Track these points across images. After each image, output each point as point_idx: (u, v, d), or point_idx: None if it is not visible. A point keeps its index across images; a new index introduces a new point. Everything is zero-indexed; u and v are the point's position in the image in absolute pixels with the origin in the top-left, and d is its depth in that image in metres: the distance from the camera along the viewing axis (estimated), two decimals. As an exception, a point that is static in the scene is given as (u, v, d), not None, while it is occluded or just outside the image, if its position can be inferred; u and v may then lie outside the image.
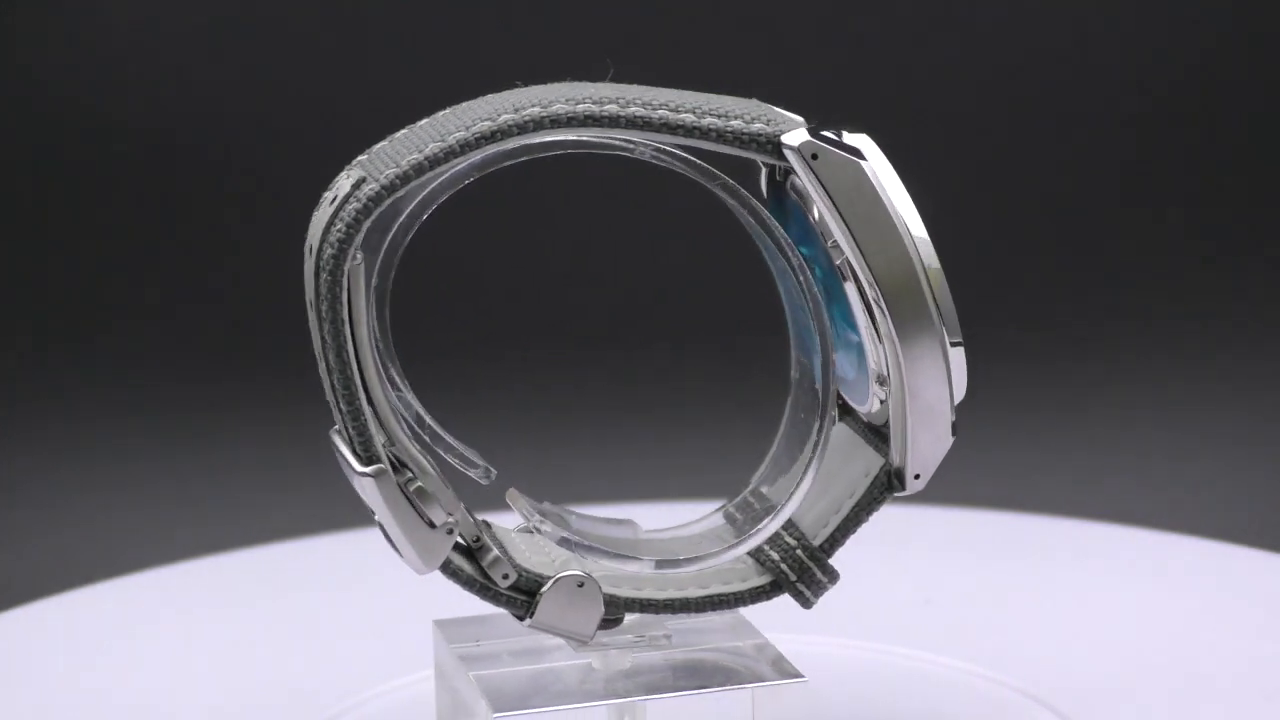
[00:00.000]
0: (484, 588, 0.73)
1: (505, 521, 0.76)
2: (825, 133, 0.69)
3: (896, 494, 0.73)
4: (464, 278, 1.45)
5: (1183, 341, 1.41)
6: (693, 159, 0.70)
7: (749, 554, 0.74)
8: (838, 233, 0.69)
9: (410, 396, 0.74)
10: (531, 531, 0.74)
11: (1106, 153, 1.48)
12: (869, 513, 0.73)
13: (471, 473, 0.74)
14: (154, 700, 0.87)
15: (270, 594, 1.00)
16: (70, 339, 1.43)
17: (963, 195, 1.46)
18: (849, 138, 0.69)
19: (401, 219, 0.69)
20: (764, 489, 0.75)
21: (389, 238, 0.70)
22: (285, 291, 1.49)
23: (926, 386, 0.70)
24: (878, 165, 0.69)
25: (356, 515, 1.13)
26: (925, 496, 1.02)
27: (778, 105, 0.71)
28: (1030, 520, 1.07)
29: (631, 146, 0.69)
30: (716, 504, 0.78)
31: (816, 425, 0.72)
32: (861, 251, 0.69)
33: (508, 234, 1.46)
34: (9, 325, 1.43)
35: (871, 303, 0.69)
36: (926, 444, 0.71)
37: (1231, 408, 1.35)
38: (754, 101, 0.71)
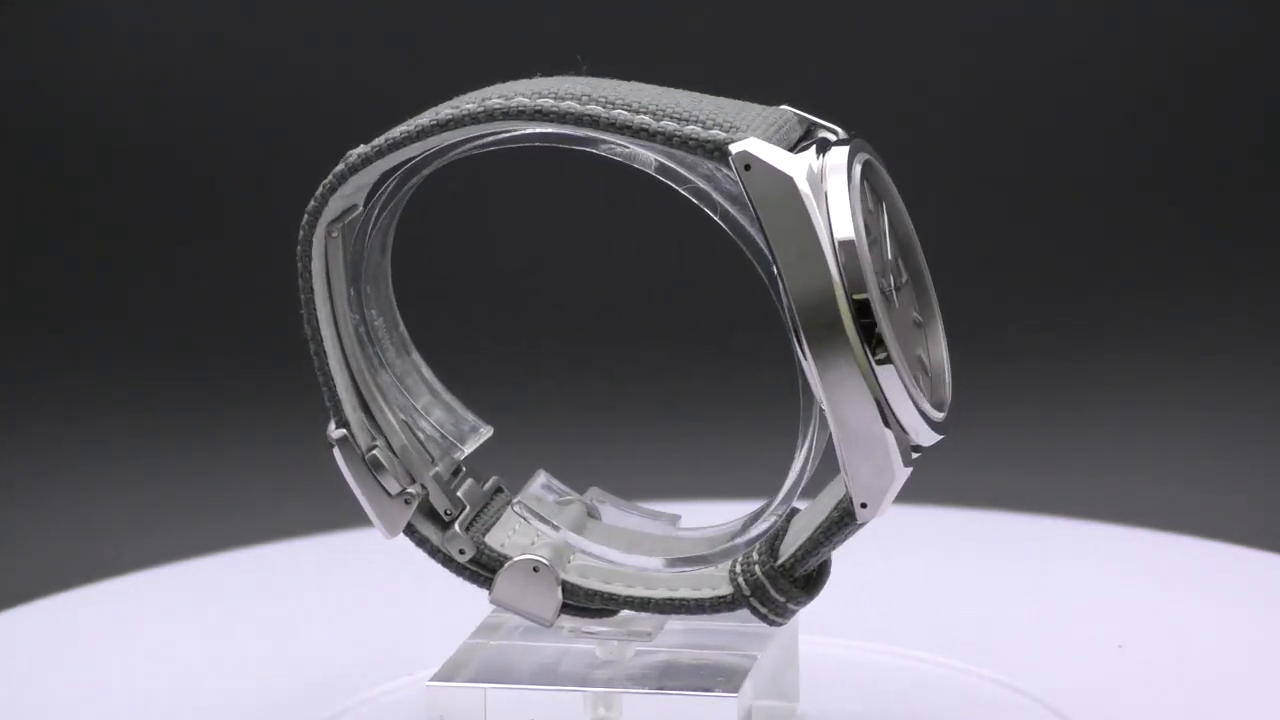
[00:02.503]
0: (446, 559, 0.76)
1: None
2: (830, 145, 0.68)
3: (856, 522, 0.69)
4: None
5: (1183, 341, 1.41)
6: (665, 163, 0.69)
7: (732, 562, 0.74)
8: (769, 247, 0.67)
9: (390, 372, 0.76)
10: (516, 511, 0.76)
11: (1108, 153, 1.47)
12: (830, 537, 0.70)
13: (450, 452, 0.77)
14: (153, 700, 0.87)
15: (270, 594, 1.00)
16: (70, 338, 1.43)
17: (963, 195, 1.46)
18: (834, 150, 0.67)
19: (391, 191, 0.73)
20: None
21: (381, 214, 0.73)
22: (285, 290, 1.49)
23: (852, 413, 0.66)
24: (832, 182, 0.66)
25: (356, 515, 1.14)
26: (925, 496, 1.03)
27: (809, 111, 0.70)
28: (1029, 520, 1.07)
29: (599, 142, 0.69)
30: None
31: (799, 442, 0.70)
32: (780, 268, 0.66)
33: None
34: (8, 325, 1.43)
35: (793, 322, 0.66)
36: (866, 473, 0.67)
37: (1232, 408, 1.35)
38: (736, 104, 0.69)
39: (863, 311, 0.65)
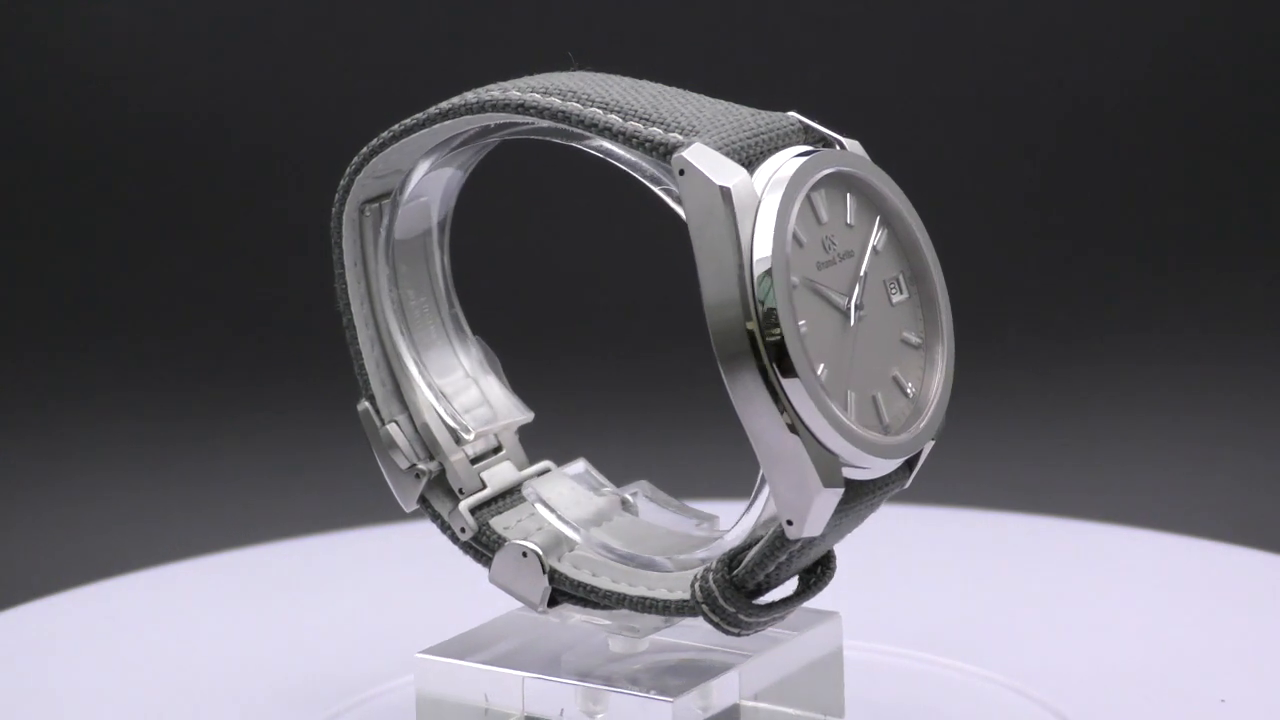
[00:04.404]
0: (453, 535, 0.78)
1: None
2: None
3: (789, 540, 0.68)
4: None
5: (1183, 342, 1.41)
6: (644, 164, 0.68)
7: None
8: None
9: (420, 351, 0.78)
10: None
11: (1109, 153, 1.48)
12: (774, 552, 0.68)
13: (464, 434, 0.78)
14: (153, 700, 0.87)
15: (270, 594, 1.00)
16: (70, 338, 1.43)
17: (964, 195, 1.46)
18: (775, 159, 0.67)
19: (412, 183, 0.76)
20: None
21: (403, 197, 0.76)
22: (285, 292, 1.49)
23: (763, 428, 0.65)
24: (769, 196, 0.65)
25: (356, 515, 1.14)
26: (927, 497, 1.03)
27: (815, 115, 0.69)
28: (1030, 520, 1.07)
29: (585, 139, 0.69)
30: None
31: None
32: (699, 276, 0.65)
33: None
34: (8, 324, 1.43)
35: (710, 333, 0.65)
36: (785, 490, 0.65)
37: (1232, 409, 1.35)
38: (725, 108, 0.69)
39: (772, 325, 0.64)
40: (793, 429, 0.65)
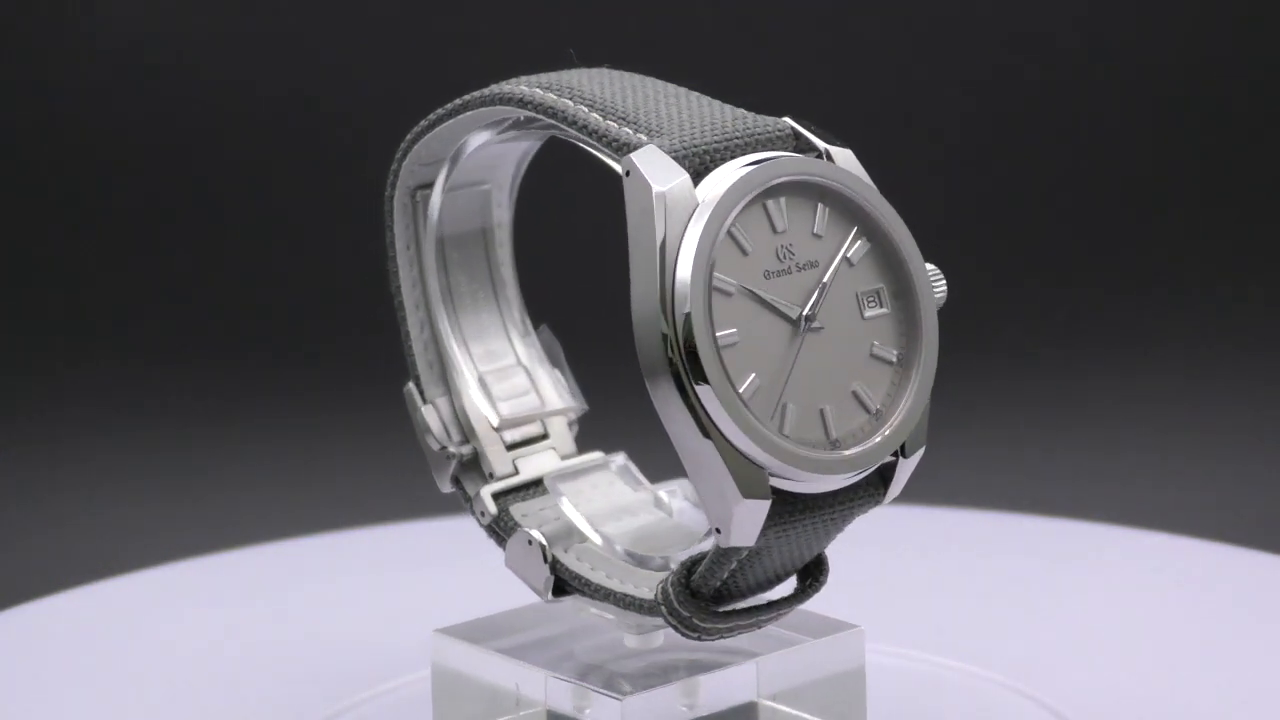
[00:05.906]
0: (477, 518, 0.79)
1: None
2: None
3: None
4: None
5: (1184, 341, 1.41)
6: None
7: None
8: None
9: (463, 335, 0.79)
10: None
11: (1109, 151, 1.48)
12: (721, 558, 0.67)
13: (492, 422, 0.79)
14: (153, 700, 0.87)
15: (270, 594, 1.00)
16: (70, 336, 1.43)
17: (964, 193, 1.46)
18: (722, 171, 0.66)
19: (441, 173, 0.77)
20: None
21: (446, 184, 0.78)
22: (287, 289, 1.49)
23: (681, 434, 0.64)
24: (706, 201, 0.65)
25: (357, 515, 1.14)
26: (925, 497, 1.03)
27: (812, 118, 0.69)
28: (1030, 520, 1.07)
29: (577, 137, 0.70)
30: None
31: None
32: (631, 279, 0.65)
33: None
34: (8, 322, 1.43)
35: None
36: (710, 496, 0.65)
37: (1233, 408, 1.35)
38: (714, 111, 0.68)
39: (688, 331, 0.64)
40: (707, 436, 0.64)
